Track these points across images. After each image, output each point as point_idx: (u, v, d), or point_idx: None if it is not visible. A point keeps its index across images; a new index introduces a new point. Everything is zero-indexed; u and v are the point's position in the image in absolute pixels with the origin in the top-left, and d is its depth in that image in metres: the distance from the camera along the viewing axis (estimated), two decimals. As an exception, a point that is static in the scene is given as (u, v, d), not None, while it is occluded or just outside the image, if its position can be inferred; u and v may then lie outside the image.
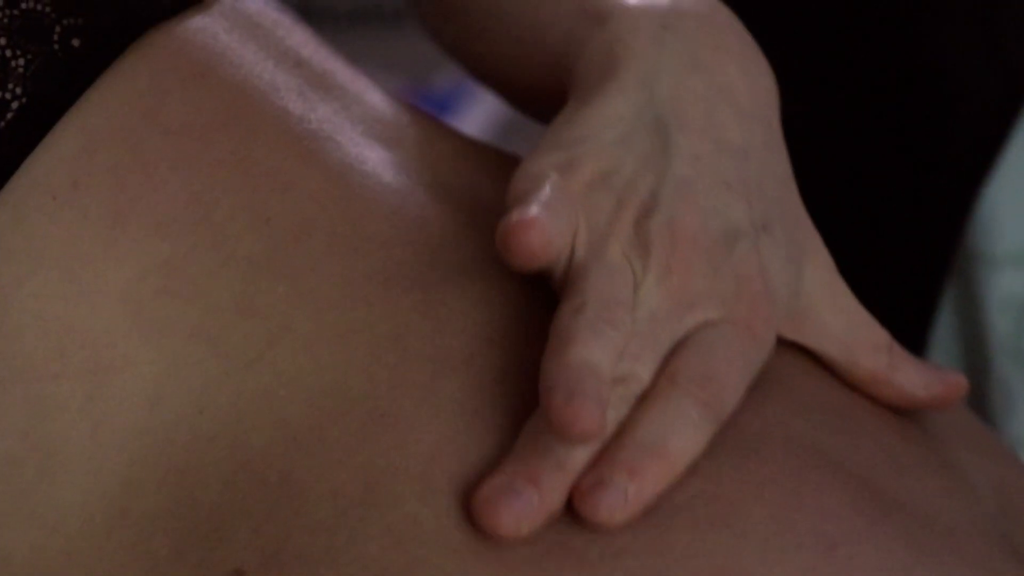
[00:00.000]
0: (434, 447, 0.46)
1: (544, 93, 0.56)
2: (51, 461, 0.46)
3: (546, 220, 0.47)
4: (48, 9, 0.47)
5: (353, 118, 0.53)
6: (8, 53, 0.46)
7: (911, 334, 0.78)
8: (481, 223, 0.52)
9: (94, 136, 0.47)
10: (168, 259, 0.47)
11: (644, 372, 0.47)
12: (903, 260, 0.82)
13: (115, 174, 0.47)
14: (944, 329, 0.81)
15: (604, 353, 0.46)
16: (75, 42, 0.47)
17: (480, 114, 1.75)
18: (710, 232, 0.49)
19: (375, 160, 0.52)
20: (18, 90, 0.46)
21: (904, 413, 0.53)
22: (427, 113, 0.59)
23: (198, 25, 0.50)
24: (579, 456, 0.45)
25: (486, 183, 0.55)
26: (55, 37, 0.47)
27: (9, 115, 0.46)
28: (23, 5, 0.47)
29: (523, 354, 0.48)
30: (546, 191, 0.48)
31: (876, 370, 0.52)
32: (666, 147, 0.50)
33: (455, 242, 0.51)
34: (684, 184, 0.50)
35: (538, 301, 0.50)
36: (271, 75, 0.51)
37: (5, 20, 0.46)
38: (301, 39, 0.55)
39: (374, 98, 0.56)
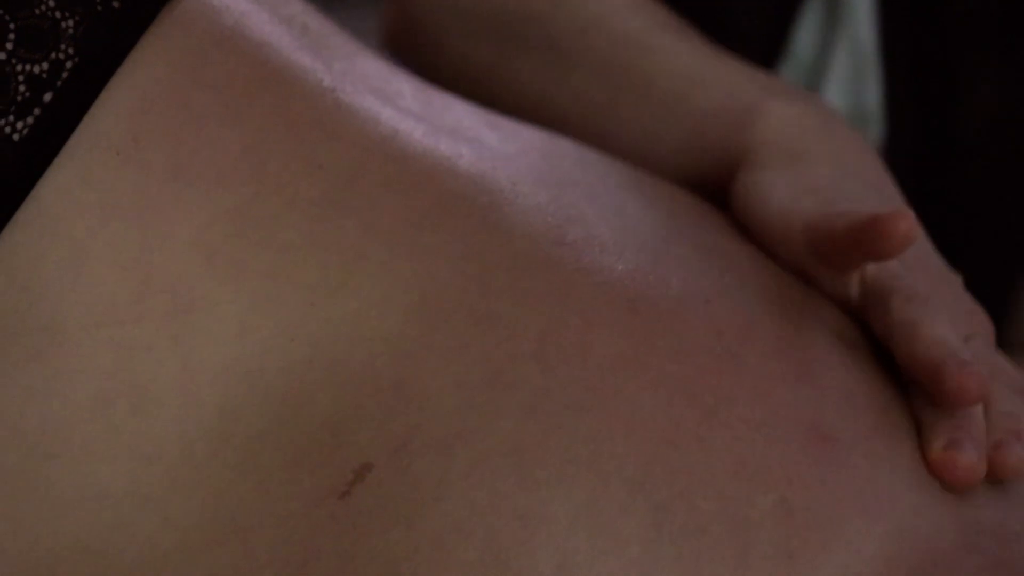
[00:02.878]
0: (542, 333, 0.49)
1: (678, 156, 0.65)
2: (143, 398, 0.47)
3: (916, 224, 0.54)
4: None
5: (356, 77, 0.55)
6: (58, 15, 0.47)
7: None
8: (502, 155, 0.55)
9: (146, 94, 0.48)
10: (233, 207, 0.48)
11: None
12: None
13: (171, 130, 0.48)
14: None
15: (949, 330, 0.53)
16: (115, 3, 0.48)
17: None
18: (940, 267, 0.59)
19: (389, 111, 0.53)
20: (70, 50, 0.47)
21: None
22: (412, 74, 0.61)
23: None
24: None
25: (481, 126, 0.58)
26: None
27: (64, 74, 0.47)
28: None
29: (592, 248, 0.52)
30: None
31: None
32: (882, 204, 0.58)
33: (490, 171, 0.53)
34: None
35: (590, 204, 0.54)
36: (288, 37, 0.52)
37: None
38: (300, 7, 0.57)
39: (367, 61, 0.58)
